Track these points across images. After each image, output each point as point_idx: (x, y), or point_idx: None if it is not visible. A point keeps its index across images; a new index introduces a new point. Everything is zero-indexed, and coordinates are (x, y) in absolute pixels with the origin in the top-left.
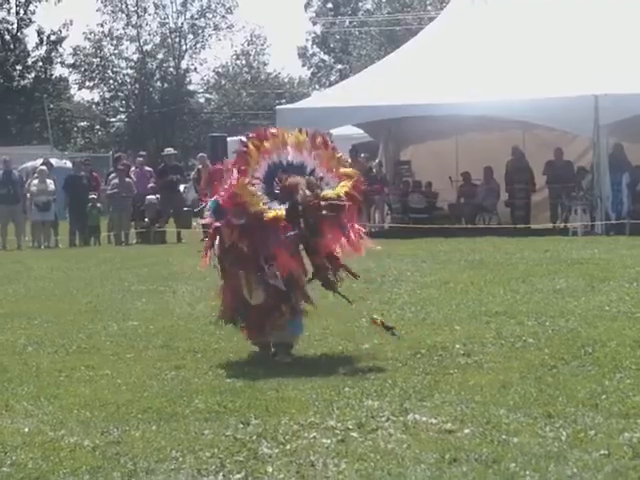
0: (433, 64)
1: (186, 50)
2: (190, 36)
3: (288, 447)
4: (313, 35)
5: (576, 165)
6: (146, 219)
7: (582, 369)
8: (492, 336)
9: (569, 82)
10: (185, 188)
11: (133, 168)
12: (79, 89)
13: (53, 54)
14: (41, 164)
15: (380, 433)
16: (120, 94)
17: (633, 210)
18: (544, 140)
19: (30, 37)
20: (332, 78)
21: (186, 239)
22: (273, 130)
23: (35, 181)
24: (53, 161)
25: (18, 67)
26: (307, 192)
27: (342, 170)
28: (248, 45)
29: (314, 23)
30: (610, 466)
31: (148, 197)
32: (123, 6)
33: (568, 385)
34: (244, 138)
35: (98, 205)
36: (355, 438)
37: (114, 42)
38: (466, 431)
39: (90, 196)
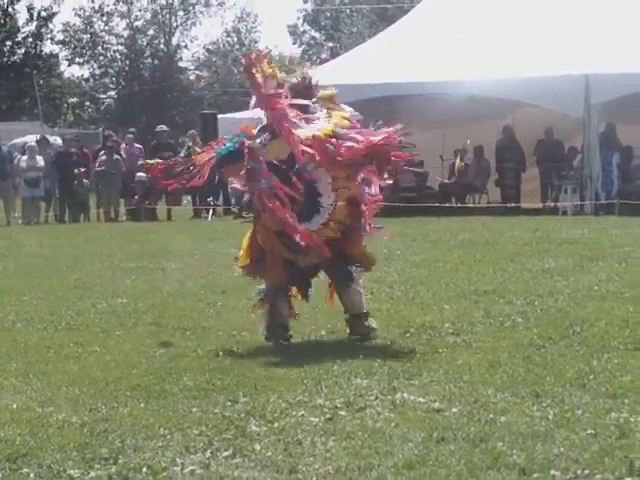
0: (424, 42)
1: (177, 27)
2: (181, 13)
3: (276, 425)
4: (304, 13)
5: (567, 145)
6: (136, 196)
7: (570, 349)
8: (481, 315)
9: (560, 61)
10: None
11: (123, 145)
12: (69, 65)
13: (43, 30)
14: (36, 140)
15: (368, 412)
16: (110, 70)
17: (623, 190)
18: (535, 119)
19: (21, 13)
20: (323, 56)
21: (176, 216)
22: None
23: (24, 157)
24: None
25: (8, 43)
26: None
27: None
28: (239, 22)
29: (305, 1)
30: (597, 445)
31: (138, 174)
32: None
33: (556, 365)
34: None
35: (84, 181)
36: (343, 416)
37: (104, 18)
38: (454, 410)
39: (75, 171)
